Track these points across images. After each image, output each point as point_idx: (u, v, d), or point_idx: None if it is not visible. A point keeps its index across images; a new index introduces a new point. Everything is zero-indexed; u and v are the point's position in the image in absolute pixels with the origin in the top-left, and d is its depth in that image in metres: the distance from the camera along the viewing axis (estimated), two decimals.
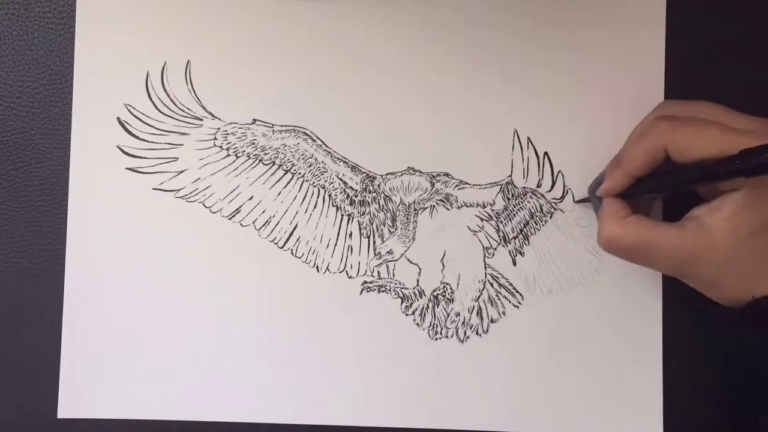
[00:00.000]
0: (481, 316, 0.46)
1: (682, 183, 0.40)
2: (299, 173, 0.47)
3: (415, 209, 0.47)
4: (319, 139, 0.47)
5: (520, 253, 0.47)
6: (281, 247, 0.46)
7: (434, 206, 0.47)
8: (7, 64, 0.46)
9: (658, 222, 0.41)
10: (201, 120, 0.47)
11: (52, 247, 0.46)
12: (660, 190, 0.41)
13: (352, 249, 0.47)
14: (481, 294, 0.46)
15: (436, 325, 0.46)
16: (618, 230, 0.41)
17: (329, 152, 0.47)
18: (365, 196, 0.47)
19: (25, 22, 0.46)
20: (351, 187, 0.47)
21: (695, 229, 0.39)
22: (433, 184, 0.47)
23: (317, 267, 0.46)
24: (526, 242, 0.47)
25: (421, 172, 0.47)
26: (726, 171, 0.37)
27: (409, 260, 0.46)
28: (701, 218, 0.39)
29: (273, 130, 0.47)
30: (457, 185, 0.47)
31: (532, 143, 0.47)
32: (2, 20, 0.46)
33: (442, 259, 0.47)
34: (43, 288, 0.46)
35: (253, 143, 0.47)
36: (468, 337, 0.46)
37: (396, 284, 0.46)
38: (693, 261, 0.39)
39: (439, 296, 0.46)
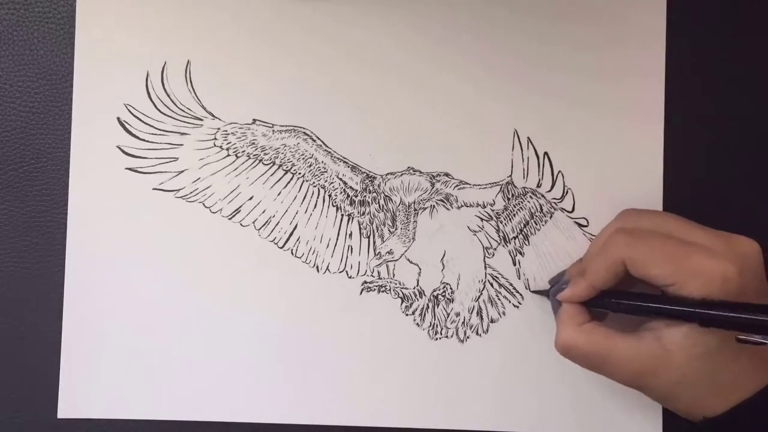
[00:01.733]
0: (481, 316, 0.46)
1: (639, 313, 0.40)
2: (299, 173, 0.47)
3: (415, 209, 0.47)
4: (319, 139, 0.47)
5: (520, 253, 0.47)
6: (281, 247, 0.46)
7: (434, 206, 0.47)
8: (7, 64, 0.46)
9: (616, 331, 0.41)
10: (201, 120, 0.47)
11: (52, 247, 0.46)
12: (621, 310, 0.41)
13: (352, 249, 0.47)
14: (481, 294, 0.46)
15: (436, 325, 0.46)
16: (574, 336, 0.41)
17: (329, 152, 0.47)
18: (365, 196, 0.47)
19: (25, 22, 0.46)
20: (351, 187, 0.47)
21: (652, 342, 0.39)
22: (433, 184, 0.47)
23: (317, 267, 0.46)
24: (526, 242, 0.47)
25: (421, 172, 0.47)
26: (682, 313, 0.38)
27: (409, 260, 0.46)
28: (659, 331, 0.39)
29: (273, 130, 0.47)
30: (457, 185, 0.47)
31: (532, 143, 0.47)
32: (2, 20, 0.46)
33: (442, 259, 0.47)
34: (43, 288, 0.46)
35: (253, 143, 0.47)
36: (468, 337, 0.46)
37: (396, 284, 0.46)
38: (648, 374, 0.39)
39: (439, 296, 0.46)
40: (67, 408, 0.46)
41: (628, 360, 0.39)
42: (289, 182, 0.47)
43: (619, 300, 0.41)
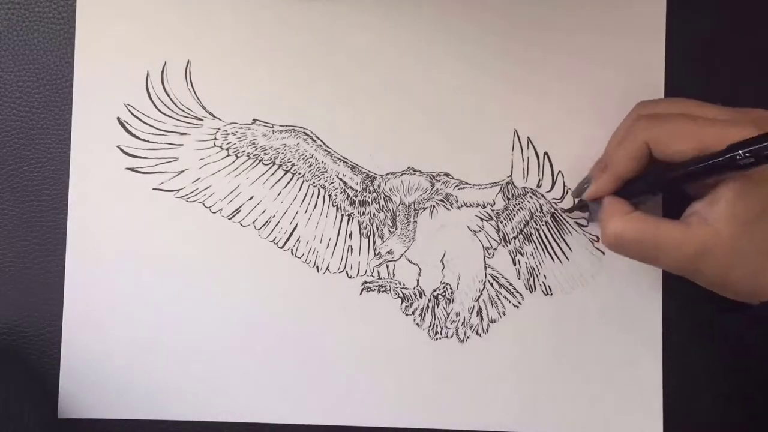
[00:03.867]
0: (481, 316, 0.46)
1: (672, 181, 0.40)
2: (299, 173, 0.47)
3: (415, 209, 0.47)
4: (319, 139, 0.47)
5: (520, 253, 0.47)
6: (281, 247, 0.46)
7: (434, 206, 0.47)
8: (7, 64, 0.46)
9: (663, 218, 0.41)
10: (201, 120, 0.47)
11: (52, 247, 0.46)
12: (651, 191, 0.41)
13: (352, 249, 0.47)
14: (481, 294, 0.46)
15: (436, 325, 0.46)
16: (624, 225, 0.40)
17: (329, 152, 0.47)
18: (365, 196, 0.47)
19: (25, 22, 0.46)
20: (351, 187, 0.47)
21: (698, 222, 0.39)
22: (433, 184, 0.47)
23: (317, 267, 0.46)
24: (526, 242, 0.47)
25: (421, 172, 0.47)
26: (715, 167, 0.37)
27: (409, 260, 0.46)
28: (701, 212, 0.39)
29: (273, 130, 0.47)
30: (457, 185, 0.47)
31: (532, 143, 0.47)
32: (2, 20, 0.46)
33: (442, 259, 0.47)
34: (43, 288, 0.46)
35: (253, 143, 0.47)
36: (468, 337, 0.46)
37: (396, 284, 0.46)
38: (701, 254, 0.39)
39: (439, 296, 0.46)
40: (67, 408, 0.46)
41: (679, 243, 0.39)
42: (289, 182, 0.47)
43: (647, 180, 0.41)
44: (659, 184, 0.41)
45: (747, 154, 0.36)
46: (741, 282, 0.39)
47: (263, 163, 0.47)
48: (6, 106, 0.46)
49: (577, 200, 0.46)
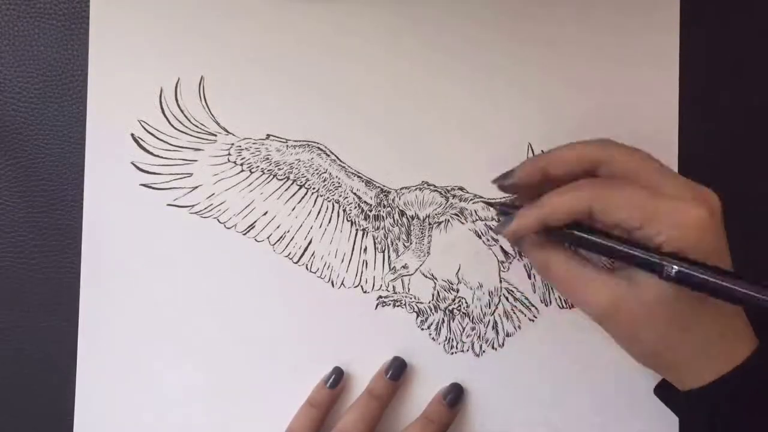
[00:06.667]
0: (497, 330, 0.46)
1: (608, 253, 0.39)
2: (313, 188, 0.47)
3: (429, 223, 0.47)
4: (333, 153, 0.47)
5: None
6: (296, 263, 0.46)
7: (449, 220, 0.47)
8: (21, 84, 0.46)
9: (591, 263, 0.40)
10: (215, 135, 0.47)
11: (67, 264, 0.46)
12: (578, 245, 0.40)
13: (366, 264, 0.47)
14: (497, 308, 0.46)
15: (452, 339, 0.46)
16: (553, 256, 0.40)
17: (343, 167, 0.47)
18: (380, 210, 0.47)
19: (39, 39, 0.46)
20: (365, 202, 0.47)
21: (624, 278, 0.39)
22: (447, 199, 0.47)
23: (332, 282, 0.46)
24: None
25: (435, 186, 0.47)
26: (641, 263, 0.37)
27: (423, 275, 0.46)
28: (631, 270, 0.39)
29: (287, 146, 0.47)
30: (471, 199, 0.47)
31: None
32: (15, 38, 0.46)
33: (457, 273, 0.47)
34: (59, 305, 0.46)
35: (267, 158, 0.47)
36: (484, 351, 0.46)
37: (411, 298, 0.46)
38: (616, 309, 0.39)
39: (455, 310, 0.46)
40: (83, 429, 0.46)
41: (599, 291, 0.39)
42: (303, 197, 0.47)
43: (590, 237, 0.39)
44: (589, 247, 0.39)
45: (674, 270, 0.36)
46: (646, 347, 0.39)
47: (277, 179, 0.47)
48: (21, 125, 0.46)
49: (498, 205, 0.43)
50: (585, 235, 0.39)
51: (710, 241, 0.37)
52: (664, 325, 0.38)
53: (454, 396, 0.45)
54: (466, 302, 0.46)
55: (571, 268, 0.40)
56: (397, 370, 0.45)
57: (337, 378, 0.45)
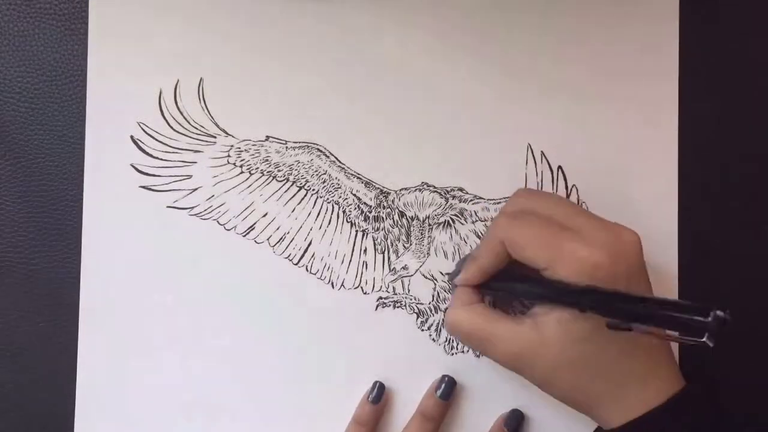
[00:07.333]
0: None
1: (513, 294, 0.42)
2: (313, 189, 0.47)
3: (429, 224, 0.47)
4: (332, 155, 0.47)
5: None
6: (296, 264, 0.46)
7: (449, 221, 0.47)
8: (19, 86, 0.46)
9: (500, 315, 0.42)
10: (214, 137, 0.47)
11: (66, 266, 0.46)
12: (497, 292, 0.43)
13: (366, 265, 0.47)
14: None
15: (452, 340, 0.46)
16: (459, 315, 0.42)
17: (343, 168, 0.47)
18: (379, 211, 0.47)
19: (38, 39, 0.46)
20: (365, 203, 0.47)
21: (530, 326, 0.40)
22: (447, 199, 0.47)
23: (332, 283, 0.46)
24: None
25: (434, 187, 0.47)
26: (550, 296, 0.39)
27: (424, 275, 0.46)
28: (537, 317, 0.40)
29: (286, 147, 0.47)
30: (471, 200, 0.47)
31: (545, 157, 0.47)
32: (15, 38, 0.46)
33: None
34: (59, 305, 0.46)
35: (267, 160, 0.47)
36: None
37: (411, 299, 0.46)
38: (524, 357, 0.40)
39: None
40: None
41: (506, 342, 0.40)
42: (303, 199, 0.47)
43: (496, 282, 0.42)
44: (509, 292, 0.42)
45: (591, 306, 0.37)
46: (560, 389, 0.40)
47: (277, 180, 0.47)
48: (20, 127, 0.46)
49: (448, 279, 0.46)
50: (494, 284, 0.42)
51: (605, 281, 0.38)
52: (572, 367, 0.39)
53: (445, 389, 0.45)
54: None
55: (475, 324, 0.41)
56: (447, 389, 0.45)
57: (379, 393, 0.45)
